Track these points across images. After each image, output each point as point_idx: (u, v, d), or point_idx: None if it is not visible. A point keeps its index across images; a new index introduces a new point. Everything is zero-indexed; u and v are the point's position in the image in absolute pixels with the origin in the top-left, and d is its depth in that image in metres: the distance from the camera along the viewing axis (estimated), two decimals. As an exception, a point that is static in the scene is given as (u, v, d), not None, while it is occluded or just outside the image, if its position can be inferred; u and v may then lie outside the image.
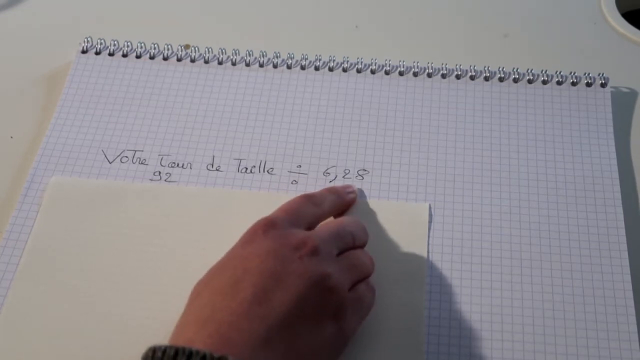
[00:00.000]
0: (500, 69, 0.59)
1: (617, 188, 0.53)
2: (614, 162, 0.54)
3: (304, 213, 0.46)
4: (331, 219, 0.49)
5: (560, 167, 0.54)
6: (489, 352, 0.46)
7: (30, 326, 0.46)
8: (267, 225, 0.43)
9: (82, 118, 0.57)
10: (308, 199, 0.48)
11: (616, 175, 0.54)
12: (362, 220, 0.51)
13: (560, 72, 0.59)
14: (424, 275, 0.48)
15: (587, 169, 0.54)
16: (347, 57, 0.60)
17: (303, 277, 0.40)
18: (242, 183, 0.53)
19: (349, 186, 0.52)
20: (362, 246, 0.47)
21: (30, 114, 0.58)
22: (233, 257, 0.42)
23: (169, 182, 0.53)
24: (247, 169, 0.54)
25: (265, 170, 0.54)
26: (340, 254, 0.44)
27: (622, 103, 0.59)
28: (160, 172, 0.54)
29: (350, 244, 0.45)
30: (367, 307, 0.45)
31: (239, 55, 0.60)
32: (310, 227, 0.46)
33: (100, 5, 0.66)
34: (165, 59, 0.60)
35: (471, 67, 0.59)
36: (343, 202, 0.51)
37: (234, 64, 0.60)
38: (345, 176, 0.53)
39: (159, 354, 0.36)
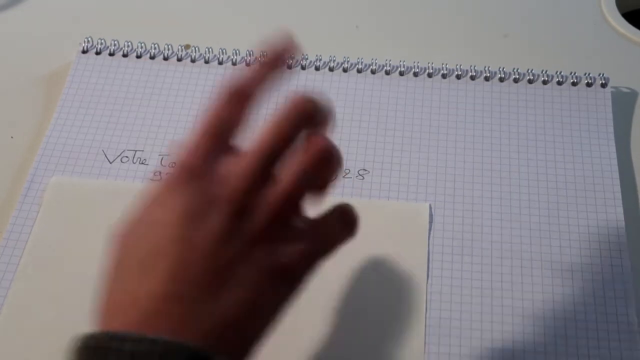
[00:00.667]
0: (501, 69, 0.59)
1: (618, 188, 0.53)
2: (614, 162, 0.54)
3: (230, 124, 0.36)
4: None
5: (560, 167, 0.54)
6: (489, 352, 0.46)
7: (30, 326, 0.46)
8: (187, 173, 0.35)
9: (83, 118, 0.57)
10: (232, 99, 0.37)
11: (616, 175, 0.54)
12: (362, 220, 0.51)
13: (560, 72, 0.59)
14: (424, 275, 0.48)
15: (588, 169, 0.54)
16: (348, 57, 0.60)
17: (221, 240, 0.33)
18: (242, 183, 0.53)
19: (281, 49, 0.40)
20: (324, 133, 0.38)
21: (31, 114, 0.58)
22: (152, 217, 0.35)
23: (169, 182, 0.53)
24: (247, 169, 0.54)
25: (266, 170, 0.54)
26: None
27: (622, 103, 0.59)
28: (160, 172, 0.54)
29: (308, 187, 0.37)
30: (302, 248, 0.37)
31: (239, 55, 0.60)
32: (238, 132, 0.36)
33: (100, 5, 0.66)
34: (165, 59, 0.60)
35: (471, 67, 0.59)
36: (278, 67, 0.39)
37: (234, 64, 0.60)
38: (346, 176, 0.53)
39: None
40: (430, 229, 0.51)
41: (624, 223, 0.51)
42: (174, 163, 0.35)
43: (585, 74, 0.59)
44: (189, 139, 0.36)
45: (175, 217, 0.34)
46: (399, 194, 0.53)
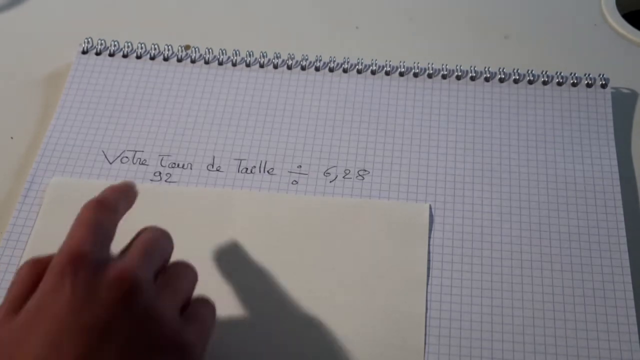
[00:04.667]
0: (501, 70, 0.59)
1: (618, 189, 0.53)
2: (615, 162, 0.54)
3: (105, 227, 0.39)
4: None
5: (560, 167, 0.54)
6: (489, 352, 0.46)
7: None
8: (76, 261, 0.36)
9: (83, 119, 0.57)
10: (103, 206, 0.40)
11: (616, 175, 0.54)
12: (362, 220, 0.51)
13: (560, 73, 0.59)
14: (424, 276, 0.48)
15: (588, 170, 0.54)
16: (348, 58, 0.60)
17: (128, 321, 0.35)
18: (243, 183, 0.53)
19: (128, 182, 0.44)
20: (169, 257, 0.42)
21: (31, 114, 0.58)
22: (45, 310, 0.35)
23: (170, 182, 0.53)
24: (247, 169, 0.54)
25: (266, 170, 0.54)
26: (157, 275, 0.39)
27: (622, 104, 0.59)
28: (160, 173, 0.54)
29: (163, 259, 0.41)
30: (209, 329, 0.41)
31: (239, 55, 0.60)
32: (111, 241, 0.39)
33: (100, 6, 0.67)
34: (165, 59, 0.60)
35: (472, 68, 0.59)
36: (130, 203, 0.44)
37: (234, 64, 0.60)
38: (346, 176, 0.53)
39: None
40: (430, 229, 0.51)
41: (623, 223, 0.51)
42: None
43: (585, 74, 0.59)
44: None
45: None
46: (399, 194, 0.53)
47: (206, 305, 0.41)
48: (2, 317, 0.36)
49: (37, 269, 0.38)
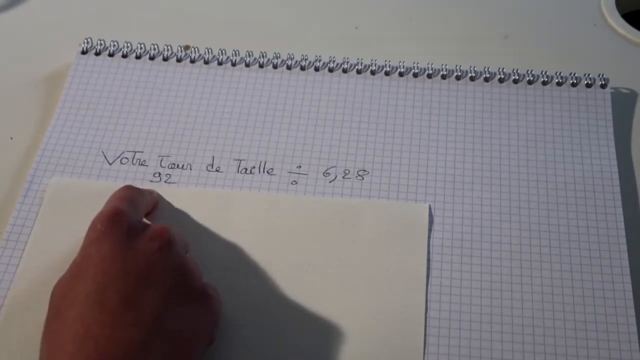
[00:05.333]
0: (500, 70, 0.59)
1: (617, 189, 0.53)
2: (614, 162, 0.54)
3: (138, 202, 0.45)
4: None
5: (560, 167, 0.54)
6: (488, 352, 0.46)
7: (30, 326, 0.46)
8: (115, 216, 0.41)
9: (82, 119, 0.57)
10: (133, 188, 0.47)
11: (616, 176, 0.54)
12: (362, 220, 0.51)
13: (560, 73, 0.59)
14: (424, 276, 0.48)
15: (587, 170, 0.54)
16: (347, 58, 0.60)
17: (166, 269, 0.40)
18: (242, 184, 0.53)
19: (147, 190, 0.50)
20: None
21: (30, 114, 0.58)
22: (89, 259, 0.40)
23: (169, 183, 0.53)
24: (247, 169, 0.54)
25: (265, 170, 0.54)
26: None
27: (622, 104, 0.59)
28: (160, 173, 0.54)
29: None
30: (221, 304, 0.45)
31: (238, 56, 0.60)
32: (142, 215, 0.46)
33: (100, 6, 0.66)
34: (165, 59, 0.60)
35: (471, 68, 0.59)
36: (154, 200, 0.50)
37: (234, 64, 0.60)
38: (345, 176, 0.53)
39: None
40: (430, 230, 0.51)
41: (623, 223, 0.51)
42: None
43: (584, 74, 0.59)
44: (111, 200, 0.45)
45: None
46: (398, 194, 0.53)
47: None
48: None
49: None
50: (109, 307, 0.38)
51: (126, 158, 0.55)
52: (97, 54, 0.60)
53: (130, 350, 0.37)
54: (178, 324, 0.39)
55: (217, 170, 0.54)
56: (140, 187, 0.51)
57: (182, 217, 0.51)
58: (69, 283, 0.40)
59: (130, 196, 0.45)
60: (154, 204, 0.50)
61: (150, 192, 0.50)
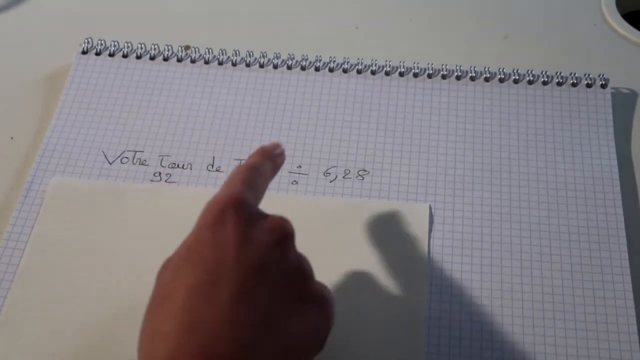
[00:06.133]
0: (501, 70, 0.59)
1: (617, 189, 0.53)
2: (614, 162, 0.54)
3: (258, 186, 0.41)
4: None
5: (560, 167, 0.54)
6: (489, 353, 0.46)
7: (30, 326, 0.46)
8: (237, 204, 0.37)
9: (83, 119, 0.57)
10: (254, 169, 0.42)
11: (616, 176, 0.54)
12: (362, 220, 0.51)
13: (560, 73, 0.59)
14: (424, 276, 0.48)
15: (588, 170, 0.54)
16: (348, 58, 0.60)
17: (283, 267, 0.37)
18: (242, 183, 0.53)
19: (276, 145, 0.45)
20: None
21: (31, 115, 0.58)
22: (203, 243, 0.37)
23: (169, 182, 0.53)
24: (247, 169, 0.54)
25: (266, 170, 0.54)
26: None
27: (622, 104, 0.59)
28: (160, 173, 0.54)
29: None
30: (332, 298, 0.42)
31: (239, 55, 0.60)
32: (260, 201, 0.41)
33: (100, 6, 0.67)
34: (165, 59, 0.60)
35: (471, 68, 0.59)
36: (277, 168, 0.45)
37: (234, 64, 0.60)
38: (346, 176, 0.53)
39: None
40: (430, 229, 0.51)
41: (623, 223, 0.51)
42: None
43: (585, 74, 0.59)
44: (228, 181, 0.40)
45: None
46: (398, 194, 0.53)
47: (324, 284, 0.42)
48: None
49: None
50: (219, 301, 0.34)
51: (126, 158, 0.55)
52: (98, 54, 0.60)
53: (237, 350, 0.34)
54: (291, 326, 0.36)
55: (217, 170, 0.54)
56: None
57: (182, 217, 0.51)
58: (179, 266, 0.37)
59: (252, 179, 0.40)
60: (278, 169, 0.45)
61: (276, 156, 0.44)
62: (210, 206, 0.38)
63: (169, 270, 0.37)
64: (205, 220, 0.37)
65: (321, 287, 0.39)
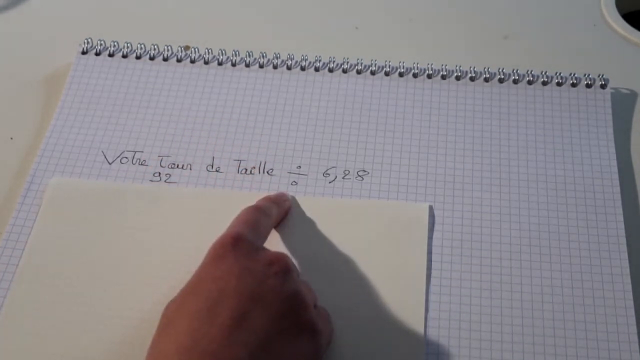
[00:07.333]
0: (500, 70, 0.59)
1: (617, 189, 0.53)
2: (614, 162, 0.54)
3: (261, 225, 0.45)
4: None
5: (560, 167, 0.54)
6: (488, 353, 0.46)
7: (30, 326, 0.46)
8: (236, 241, 0.42)
9: (82, 119, 0.57)
10: (259, 210, 0.47)
11: (616, 176, 0.54)
12: (362, 221, 0.51)
13: (560, 74, 0.59)
14: (424, 276, 0.48)
15: (587, 170, 0.54)
16: (347, 58, 0.60)
17: (280, 296, 0.40)
18: (242, 184, 0.53)
19: (282, 194, 0.51)
20: None
21: (31, 115, 0.58)
22: (205, 278, 0.41)
23: (169, 183, 0.53)
24: (247, 170, 0.54)
25: (265, 171, 0.54)
26: None
27: (622, 104, 0.59)
28: (160, 173, 0.54)
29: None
30: (331, 332, 0.45)
31: (238, 56, 0.60)
32: (265, 239, 0.46)
33: (100, 6, 0.67)
34: (165, 59, 0.60)
35: (471, 68, 0.59)
36: (283, 212, 0.50)
37: (233, 64, 0.60)
38: (345, 177, 0.53)
39: None
40: (430, 230, 0.51)
41: (623, 223, 0.51)
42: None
43: (584, 75, 0.59)
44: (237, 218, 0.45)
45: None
46: (398, 194, 0.53)
47: (324, 310, 0.45)
48: None
49: None
50: (218, 322, 0.38)
51: (126, 158, 0.55)
52: (97, 54, 0.60)
53: None
54: (283, 351, 0.39)
55: (217, 171, 0.54)
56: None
57: (181, 217, 0.51)
58: (182, 299, 0.40)
59: (254, 220, 0.45)
60: (285, 214, 0.50)
61: (282, 202, 0.50)
62: (212, 246, 0.42)
63: (174, 303, 0.40)
64: (208, 258, 0.41)
65: (316, 318, 0.42)
